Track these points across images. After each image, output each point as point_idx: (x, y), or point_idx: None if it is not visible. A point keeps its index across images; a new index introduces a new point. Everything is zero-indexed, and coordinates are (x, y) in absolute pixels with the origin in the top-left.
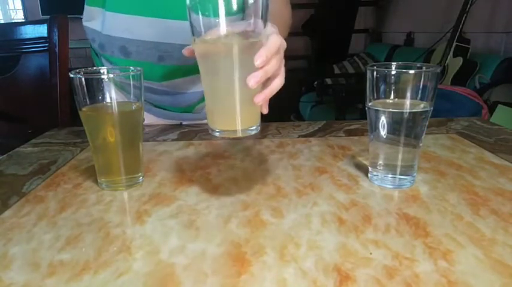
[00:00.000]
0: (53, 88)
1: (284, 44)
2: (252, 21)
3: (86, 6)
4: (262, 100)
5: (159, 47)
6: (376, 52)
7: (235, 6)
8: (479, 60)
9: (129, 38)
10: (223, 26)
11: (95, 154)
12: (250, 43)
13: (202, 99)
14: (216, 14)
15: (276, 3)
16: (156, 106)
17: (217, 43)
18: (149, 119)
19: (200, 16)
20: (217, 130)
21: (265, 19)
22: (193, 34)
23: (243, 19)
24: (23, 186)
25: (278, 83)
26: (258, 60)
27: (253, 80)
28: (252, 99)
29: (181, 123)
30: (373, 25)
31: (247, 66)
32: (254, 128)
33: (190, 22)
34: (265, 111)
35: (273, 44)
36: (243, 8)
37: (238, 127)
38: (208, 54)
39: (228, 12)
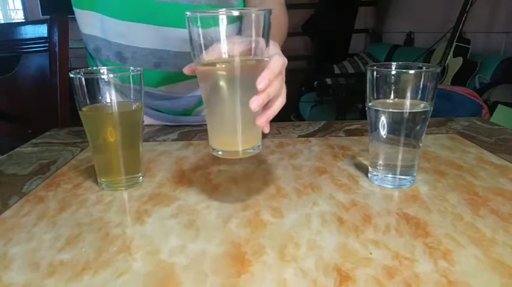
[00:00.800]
0: (53, 88)
1: (286, 63)
2: (253, 39)
3: (75, 9)
4: (264, 122)
5: (155, 54)
6: (376, 52)
7: (236, 23)
8: (479, 60)
9: (125, 44)
10: (224, 46)
11: (95, 154)
12: (253, 65)
13: (200, 103)
14: (217, 34)
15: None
16: (154, 109)
17: (219, 65)
18: (147, 121)
19: (201, 32)
20: (218, 150)
21: (267, 38)
22: (192, 50)
23: (240, 32)
24: (23, 186)
25: (280, 103)
26: (260, 84)
27: (256, 103)
28: (253, 120)
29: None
30: (373, 25)
31: (249, 88)
32: (256, 147)
33: (190, 38)
34: (267, 130)
35: (275, 65)
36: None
37: (240, 148)
38: (210, 75)
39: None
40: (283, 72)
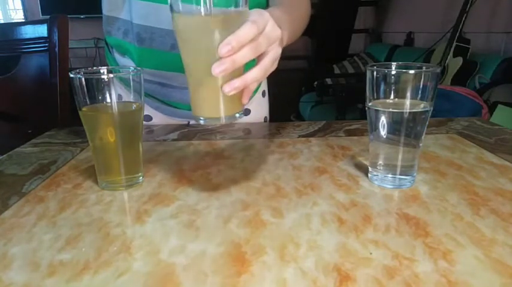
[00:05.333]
0: (53, 88)
1: (271, 35)
2: (233, 6)
3: None
4: (232, 89)
5: (172, 35)
6: (376, 52)
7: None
8: (479, 60)
9: (145, 25)
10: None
11: (95, 153)
12: (226, 24)
13: None
14: None
15: None
16: (165, 103)
17: (192, 18)
18: (158, 118)
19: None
20: (201, 118)
21: (244, 2)
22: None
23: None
24: (23, 186)
25: (253, 75)
26: (222, 49)
27: (218, 68)
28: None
29: (188, 122)
30: (373, 25)
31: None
32: (238, 115)
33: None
34: (245, 101)
35: (243, 33)
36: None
37: (222, 114)
38: (184, 31)
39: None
40: (260, 41)
